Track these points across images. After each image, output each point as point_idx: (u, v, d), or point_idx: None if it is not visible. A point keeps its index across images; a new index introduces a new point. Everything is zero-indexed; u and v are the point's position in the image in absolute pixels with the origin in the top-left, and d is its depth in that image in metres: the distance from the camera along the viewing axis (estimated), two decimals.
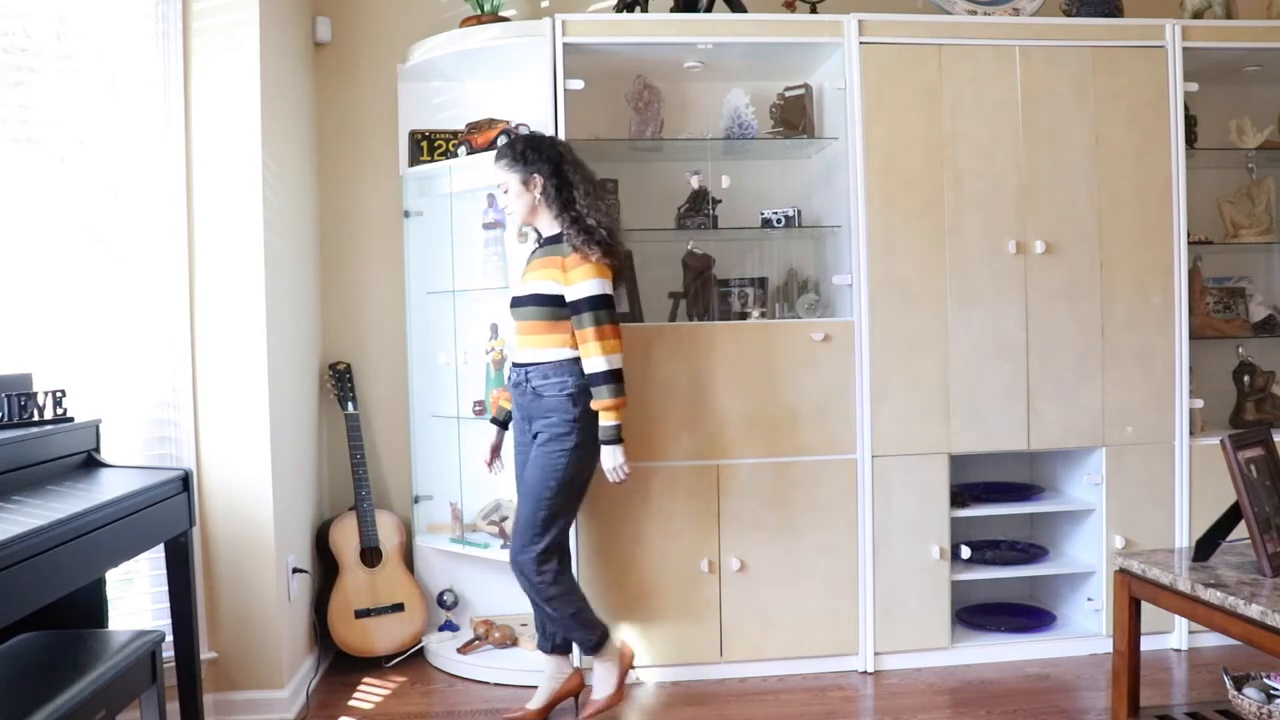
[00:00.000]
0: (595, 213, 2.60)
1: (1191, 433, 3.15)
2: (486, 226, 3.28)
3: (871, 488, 3.04)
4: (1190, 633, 3.18)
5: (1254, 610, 1.82)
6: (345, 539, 3.22)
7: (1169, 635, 3.20)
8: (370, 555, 3.24)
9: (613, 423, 2.58)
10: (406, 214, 3.41)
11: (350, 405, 3.32)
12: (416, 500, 3.43)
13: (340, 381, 3.33)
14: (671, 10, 3.11)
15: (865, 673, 3.06)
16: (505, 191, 2.69)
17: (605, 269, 2.58)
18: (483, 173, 3.05)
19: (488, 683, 3.04)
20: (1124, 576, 2.21)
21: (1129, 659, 2.21)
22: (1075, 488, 3.27)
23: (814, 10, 3.26)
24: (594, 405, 2.58)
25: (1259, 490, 2.05)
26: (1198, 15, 3.34)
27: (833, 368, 3.03)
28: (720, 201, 3.18)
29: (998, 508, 3.21)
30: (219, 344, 2.70)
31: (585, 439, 2.60)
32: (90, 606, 2.26)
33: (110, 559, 2.01)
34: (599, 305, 2.55)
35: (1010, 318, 3.08)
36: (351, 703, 2.92)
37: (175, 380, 2.67)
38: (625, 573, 2.98)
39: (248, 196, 2.70)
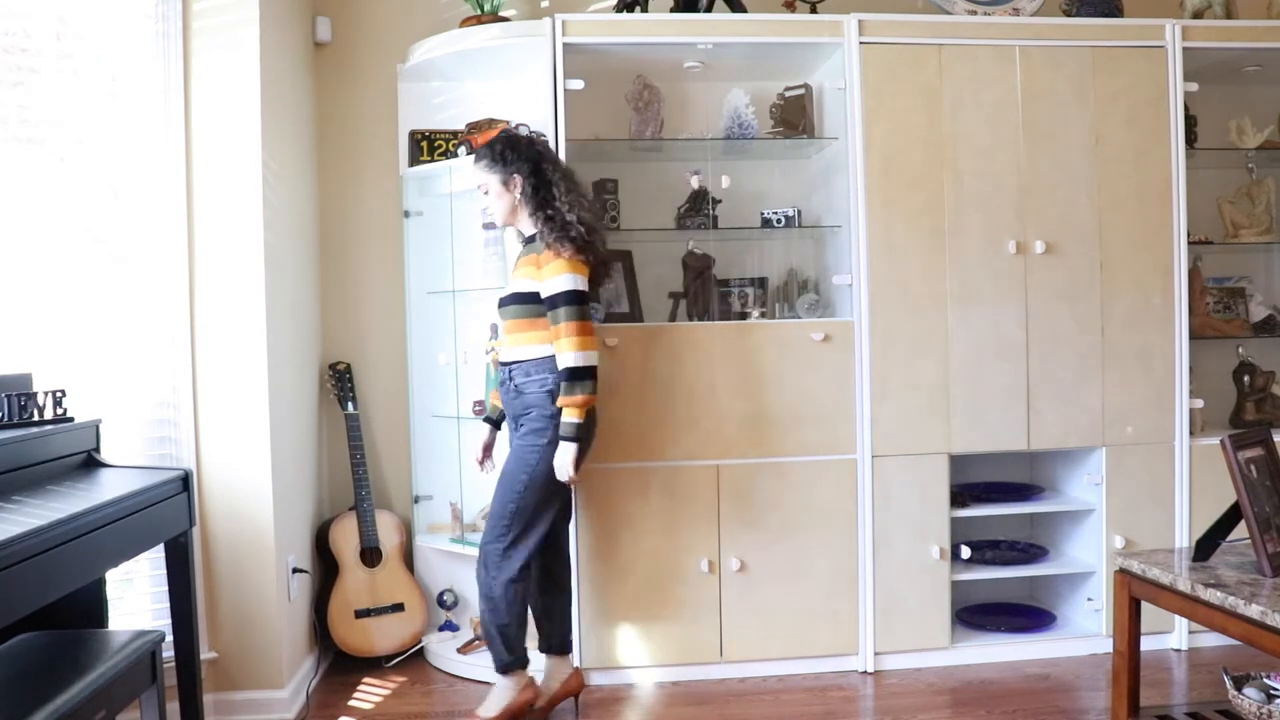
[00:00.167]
0: (576, 209, 2.59)
1: (1191, 433, 3.15)
2: (486, 226, 3.28)
3: (871, 488, 3.04)
4: (1190, 633, 3.18)
5: (1254, 610, 1.82)
6: (345, 539, 3.22)
7: (1169, 635, 3.20)
8: (370, 555, 3.24)
9: (574, 420, 2.53)
10: (406, 214, 3.41)
11: (350, 405, 3.32)
12: (416, 500, 3.43)
13: (340, 381, 3.33)
14: (671, 10, 3.11)
15: (865, 673, 3.06)
16: (486, 192, 2.69)
17: (580, 265, 2.57)
18: None
19: (488, 683, 3.02)
20: (1124, 576, 2.21)
21: (1129, 659, 2.21)
22: (1075, 488, 3.27)
23: (814, 10, 3.26)
24: (560, 401, 2.55)
25: (1259, 490, 2.05)
26: (1198, 15, 3.34)
27: (833, 368, 3.03)
28: (720, 201, 3.18)
29: (998, 508, 3.21)
30: (219, 344, 2.70)
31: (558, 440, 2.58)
32: (90, 606, 2.26)
33: (110, 559, 2.01)
34: (571, 301, 2.53)
35: (1010, 318, 3.08)
36: (351, 703, 2.92)
37: (175, 380, 2.67)
38: (625, 573, 2.98)
39: (248, 196, 2.70)
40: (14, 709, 1.67)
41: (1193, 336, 3.18)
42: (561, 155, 2.92)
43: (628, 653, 3.01)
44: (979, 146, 3.06)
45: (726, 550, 3.01)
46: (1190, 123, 3.30)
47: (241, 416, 2.70)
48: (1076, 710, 2.75)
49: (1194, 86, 3.13)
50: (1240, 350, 3.41)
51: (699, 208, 3.16)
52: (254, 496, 2.71)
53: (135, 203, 2.64)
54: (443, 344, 3.35)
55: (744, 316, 3.17)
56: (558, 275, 2.54)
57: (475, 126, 3.20)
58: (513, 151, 2.64)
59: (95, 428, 2.35)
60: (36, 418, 2.19)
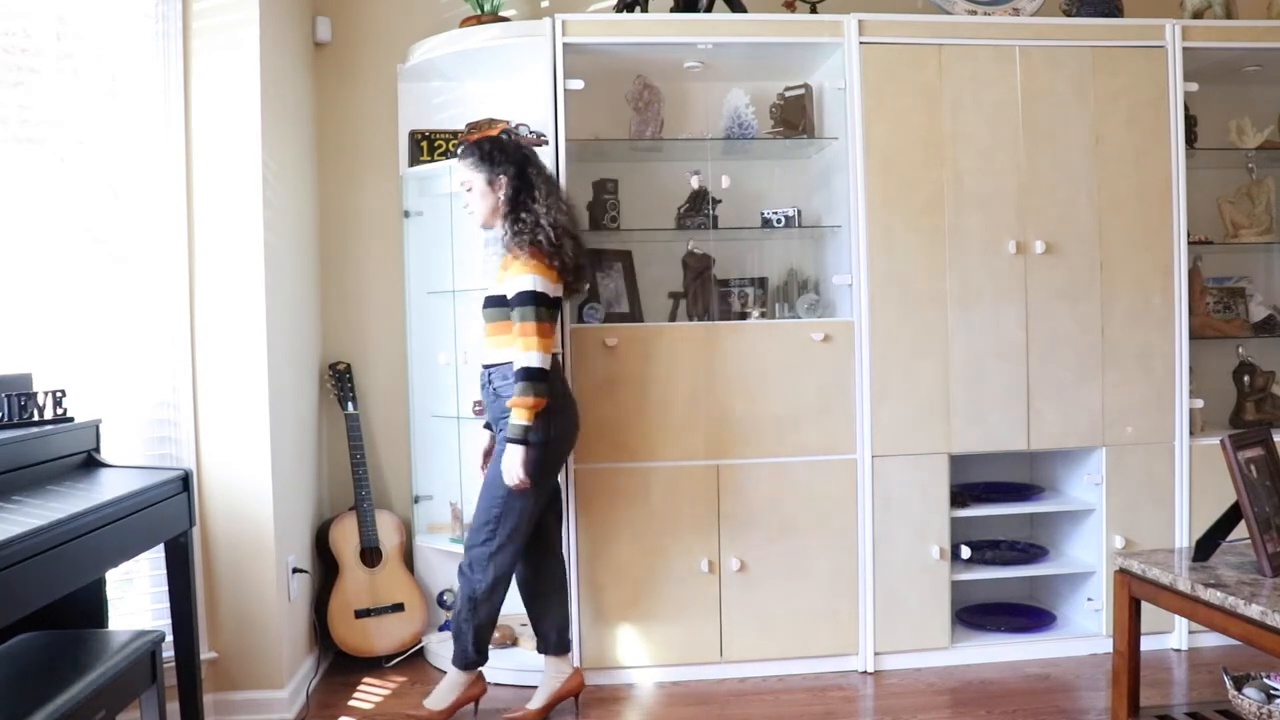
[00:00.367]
0: (553, 213, 2.59)
1: (1191, 433, 3.15)
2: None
3: (871, 488, 3.04)
4: (1190, 633, 3.18)
5: (1254, 610, 1.82)
6: (345, 539, 3.22)
7: (1169, 635, 3.20)
8: (370, 555, 3.24)
9: (521, 422, 2.50)
10: (406, 214, 3.41)
11: (350, 405, 3.32)
12: (416, 500, 3.43)
13: (340, 381, 3.33)
14: (671, 10, 3.11)
15: (865, 673, 3.06)
16: (469, 190, 2.68)
17: (543, 268, 2.55)
18: None
19: (488, 683, 3.03)
20: (1124, 576, 2.21)
21: (1129, 659, 2.21)
22: (1075, 488, 3.27)
23: (814, 10, 3.26)
24: (509, 402, 2.54)
25: (1259, 490, 2.05)
26: (1198, 15, 3.34)
27: (833, 368, 3.03)
28: (720, 201, 3.18)
29: (998, 508, 3.21)
30: (219, 344, 2.70)
31: (538, 440, 2.56)
32: (90, 606, 2.26)
33: (110, 559, 2.01)
34: (527, 301, 2.52)
35: (1010, 318, 3.08)
36: (351, 703, 2.92)
37: (175, 380, 2.67)
38: (625, 572, 2.98)
39: (248, 196, 2.70)
40: (14, 709, 1.67)
41: (1193, 336, 3.18)
42: (561, 155, 2.93)
43: (627, 653, 3.01)
44: (979, 146, 3.06)
45: (726, 550, 3.01)
46: (1190, 123, 3.30)
47: (241, 416, 2.70)
48: (1076, 710, 2.75)
49: (1194, 86, 3.13)
50: (1240, 350, 3.41)
51: (699, 208, 3.16)
52: (254, 496, 2.71)
53: (135, 203, 2.64)
54: (443, 344, 3.35)
55: (744, 316, 3.17)
56: (518, 276, 2.54)
57: (475, 126, 3.20)
58: (501, 153, 2.65)
59: (95, 428, 2.35)
60: (36, 418, 2.19)
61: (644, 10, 3.11)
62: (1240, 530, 2.10)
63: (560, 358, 2.75)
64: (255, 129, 2.70)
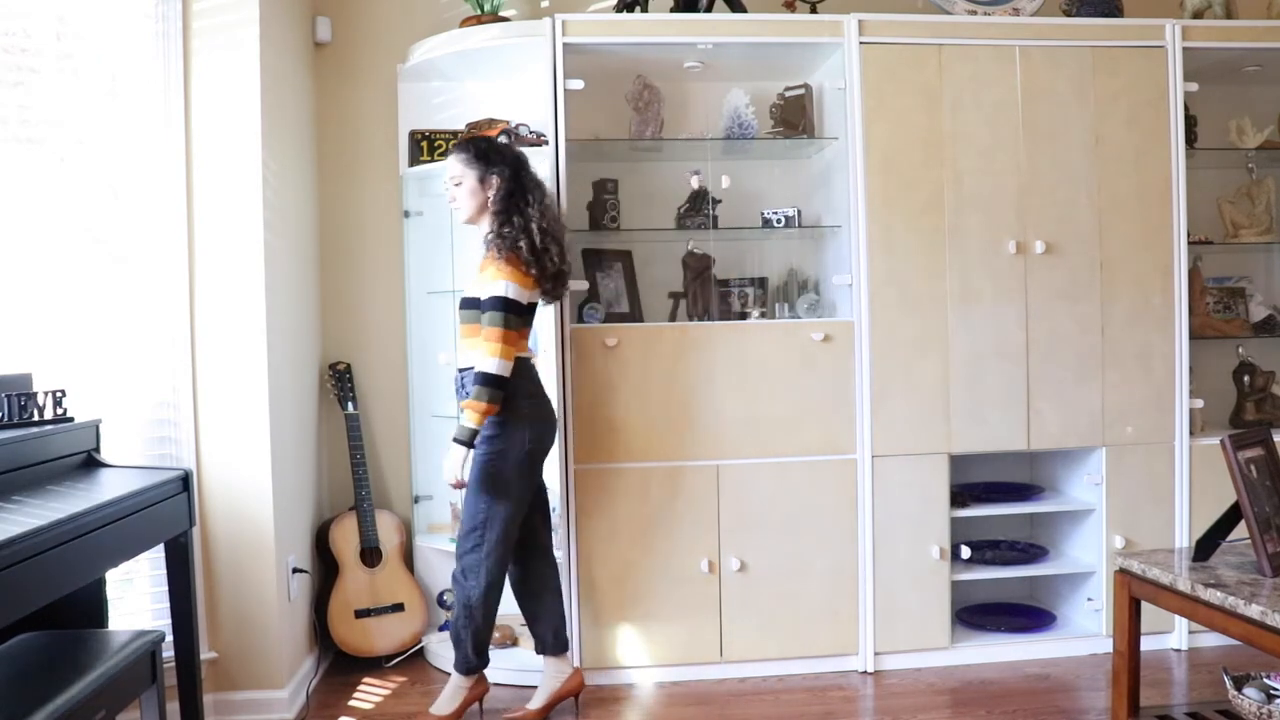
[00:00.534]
0: (543, 219, 2.58)
1: (1191, 433, 3.15)
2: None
3: (871, 488, 3.04)
4: (1190, 633, 3.18)
5: (1254, 610, 1.82)
6: (345, 539, 3.22)
7: (1169, 635, 3.20)
8: (370, 555, 3.24)
9: (470, 425, 2.47)
10: (406, 214, 3.41)
11: (350, 405, 3.32)
12: (416, 500, 3.43)
13: (340, 381, 3.33)
14: (671, 10, 3.11)
15: (865, 673, 3.06)
16: (458, 185, 2.66)
17: (518, 274, 2.53)
18: None
19: (489, 682, 3.03)
20: (1124, 576, 2.21)
21: (1129, 659, 2.21)
22: (1075, 488, 3.27)
23: (814, 10, 3.26)
24: (462, 403, 2.53)
25: (1259, 490, 2.05)
26: (1198, 15, 3.34)
27: (833, 368, 3.03)
28: (720, 201, 3.18)
29: (998, 508, 3.21)
30: (219, 344, 2.70)
31: (511, 443, 2.56)
32: (90, 606, 2.26)
33: (110, 559, 2.01)
34: (496, 307, 2.51)
35: (1010, 318, 3.08)
36: (351, 703, 2.92)
37: (175, 380, 2.67)
38: (625, 572, 2.98)
39: (248, 196, 2.70)
40: (14, 709, 1.67)
41: (1193, 336, 3.18)
42: (562, 155, 2.93)
43: (627, 653, 3.01)
44: (979, 146, 3.06)
45: (726, 550, 3.01)
46: (1190, 123, 3.30)
47: (241, 416, 2.70)
48: (1076, 710, 2.75)
49: (1194, 86, 3.13)
50: (1240, 350, 3.41)
51: (699, 208, 3.16)
52: (254, 496, 2.71)
53: (135, 203, 2.64)
54: (442, 344, 3.35)
55: (744, 316, 3.17)
56: (493, 280, 2.54)
57: (475, 126, 3.20)
58: (496, 153, 2.64)
59: (95, 428, 2.35)
60: (36, 418, 2.19)
61: (644, 10, 3.11)
62: (1240, 530, 2.10)
63: (532, 359, 2.69)
64: (255, 129, 2.70)
